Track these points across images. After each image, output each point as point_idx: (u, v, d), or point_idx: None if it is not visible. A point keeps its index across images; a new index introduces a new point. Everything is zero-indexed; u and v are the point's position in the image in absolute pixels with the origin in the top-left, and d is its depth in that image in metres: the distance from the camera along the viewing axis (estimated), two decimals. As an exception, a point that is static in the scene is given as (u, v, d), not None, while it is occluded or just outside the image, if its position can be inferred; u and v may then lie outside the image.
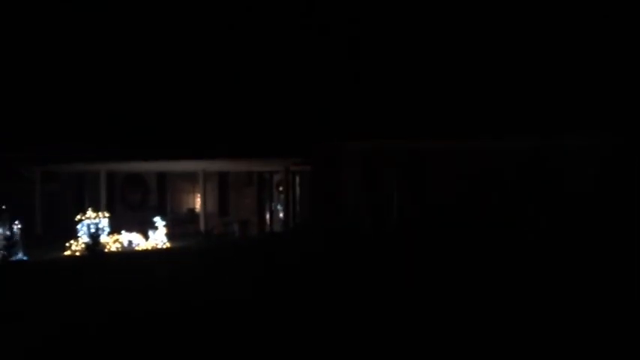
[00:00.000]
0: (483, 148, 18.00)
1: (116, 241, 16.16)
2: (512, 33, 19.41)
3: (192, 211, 20.09)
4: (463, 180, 16.15)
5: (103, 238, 15.74)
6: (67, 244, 15.51)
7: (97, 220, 15.78)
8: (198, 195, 19.11)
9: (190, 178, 19.76)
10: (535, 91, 18.20)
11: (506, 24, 19.67)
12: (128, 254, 14.79)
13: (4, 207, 14.56)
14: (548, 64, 18.75)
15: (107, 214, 16.44)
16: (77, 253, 15.19)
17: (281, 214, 19.03)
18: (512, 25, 19.64)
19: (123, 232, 16.61)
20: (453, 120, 17.88)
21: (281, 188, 18.70)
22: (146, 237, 16.66)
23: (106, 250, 15.47)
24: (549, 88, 18.18)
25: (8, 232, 14.26)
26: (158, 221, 16.74)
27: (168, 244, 16.45)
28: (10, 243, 14.19)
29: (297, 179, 19.32)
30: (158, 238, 16.57)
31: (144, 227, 17.09)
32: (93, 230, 15.52)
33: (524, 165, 16.19)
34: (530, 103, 17.82)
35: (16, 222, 14.64)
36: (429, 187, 16.19)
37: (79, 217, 15.86)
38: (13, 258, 14.12)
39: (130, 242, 16.38)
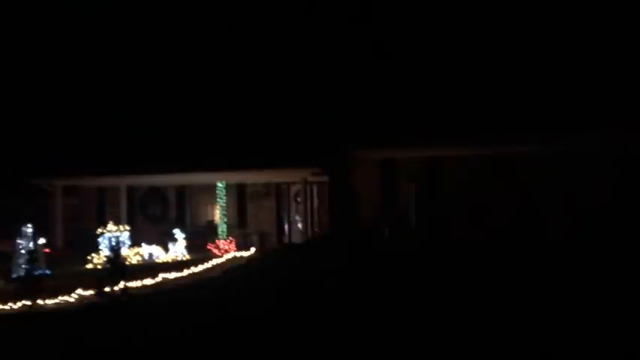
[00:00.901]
0: (504, 155, 17.81)
1: (137, 253, 16.32)
2: (530, 38, 19.26)
3: (211, 223, 20.19)
4: (481, 189, 16.03)
5: (124, 251, 15.88)
6: (89, 257, 15.68)
7: (117, 233, 15.95)
8: (217, 207, 19.23)
9: (209, 190, 19.88)
10: (555, 96, 17.99)
11: (524, 27, 19.53)
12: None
13: (28, 223, 14.74)
14: (568, 71, 18.56)
15: (128, 227, 16.60)
16: (99, 266, 15.35)
17: (299, 225, 19.05)
18: (530, 30, 19.50)
19: (143, 244, 16.76)
20: (472, 128, 17.75)
21: (299, 199, 18.75)
22: (166, 249, 16.78)
23: (127, 263, 15.60)
24: (570, 92, 17.94)
25: (31, 246, 14.44)
26: (178, 233, 16.86)
27: (187, 257, 16.55)
28: (33, 257, 14.36)
29: (315, 190, 19.35)
30: (178, 250, 16.68)
31: (164, 239, 17.23)
32: (114, 243, 15.67)
33: (544, 173, 16.03)
34: (550, 110, 17.62)
35: (40, 238, 14.83)
36: (446, 196, 16.11)
37: (100, 230, 16.04)
38: (36, 272, 14.29)
39: (151, 255, 16.53)
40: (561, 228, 14.58)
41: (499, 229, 15.49)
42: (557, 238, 14.19)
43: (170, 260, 16.25)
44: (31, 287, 11.50)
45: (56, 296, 11.20)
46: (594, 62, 17.80)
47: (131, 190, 19.77)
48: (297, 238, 18.96)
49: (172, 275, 12.96)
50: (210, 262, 14.49)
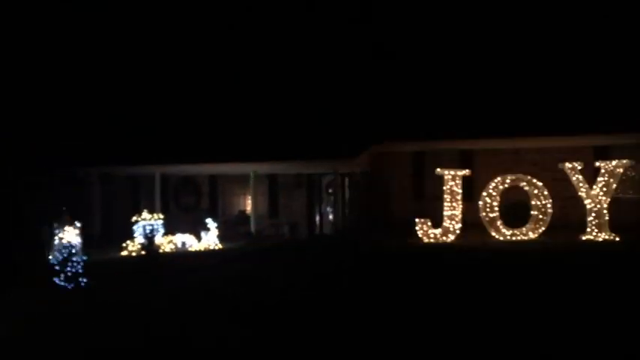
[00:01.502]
0: (539, 148, 17.55)
1: (170, 241, 16.57)
2: (569, 33, 18.90)
3: (243, 212, 20.38)
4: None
5: (158, 239, 16.15)
6: (124, 245, 15.98)
7: (152, 222, 16.21)
8: (249, 197, 19.39)
9: (241, 180, 20.07)
10: (592, 89, 17.66)
11: (564, 23, 19.17)
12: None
13: (64, 208, 15.09)
14: (603, 65, 18.20)
15: (161, 216, 16.85)
16: (133, 253, 15.65)
17: (330, 216, 19.08)
18: (568, 25, 19.13)
19: (177, 233, 17.01)
20: (507, 120, 17.50)
21: (330, 190, 18.77)
22: (199, 238, 16.99)
23: (161, 251, 15.87)
24: (609, 85, 17.59)
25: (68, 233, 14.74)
26: (210, 223, 17.05)
27: (219, 245, 16.74)
28: (71, 245, 14.68)
29: (347, 181, 19.33)
30: (210, 239, 16.88)
31: (196, 228, 17.44)
32: (148, 231, 15.94)
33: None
34: (587, 100, 17.28)
35: (76, 223, 15.15)
36: (479, 188, 15.88)
37: (134, 218, 16.33)
38: (73, 259, 14.62)
39: (184, 243, 16.75)
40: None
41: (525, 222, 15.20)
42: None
43: (202, 249, 16.46)
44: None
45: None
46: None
47: (165, 180, 20.07)
48: (328, 229, 19.01)
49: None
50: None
